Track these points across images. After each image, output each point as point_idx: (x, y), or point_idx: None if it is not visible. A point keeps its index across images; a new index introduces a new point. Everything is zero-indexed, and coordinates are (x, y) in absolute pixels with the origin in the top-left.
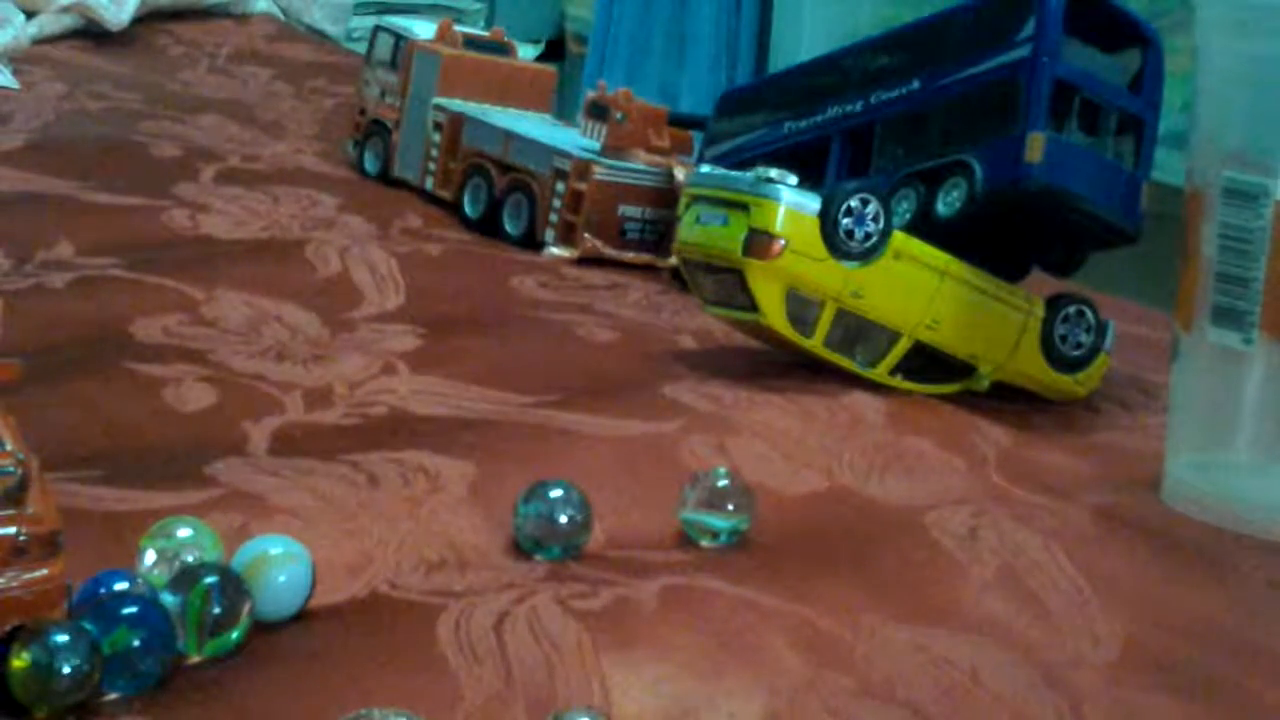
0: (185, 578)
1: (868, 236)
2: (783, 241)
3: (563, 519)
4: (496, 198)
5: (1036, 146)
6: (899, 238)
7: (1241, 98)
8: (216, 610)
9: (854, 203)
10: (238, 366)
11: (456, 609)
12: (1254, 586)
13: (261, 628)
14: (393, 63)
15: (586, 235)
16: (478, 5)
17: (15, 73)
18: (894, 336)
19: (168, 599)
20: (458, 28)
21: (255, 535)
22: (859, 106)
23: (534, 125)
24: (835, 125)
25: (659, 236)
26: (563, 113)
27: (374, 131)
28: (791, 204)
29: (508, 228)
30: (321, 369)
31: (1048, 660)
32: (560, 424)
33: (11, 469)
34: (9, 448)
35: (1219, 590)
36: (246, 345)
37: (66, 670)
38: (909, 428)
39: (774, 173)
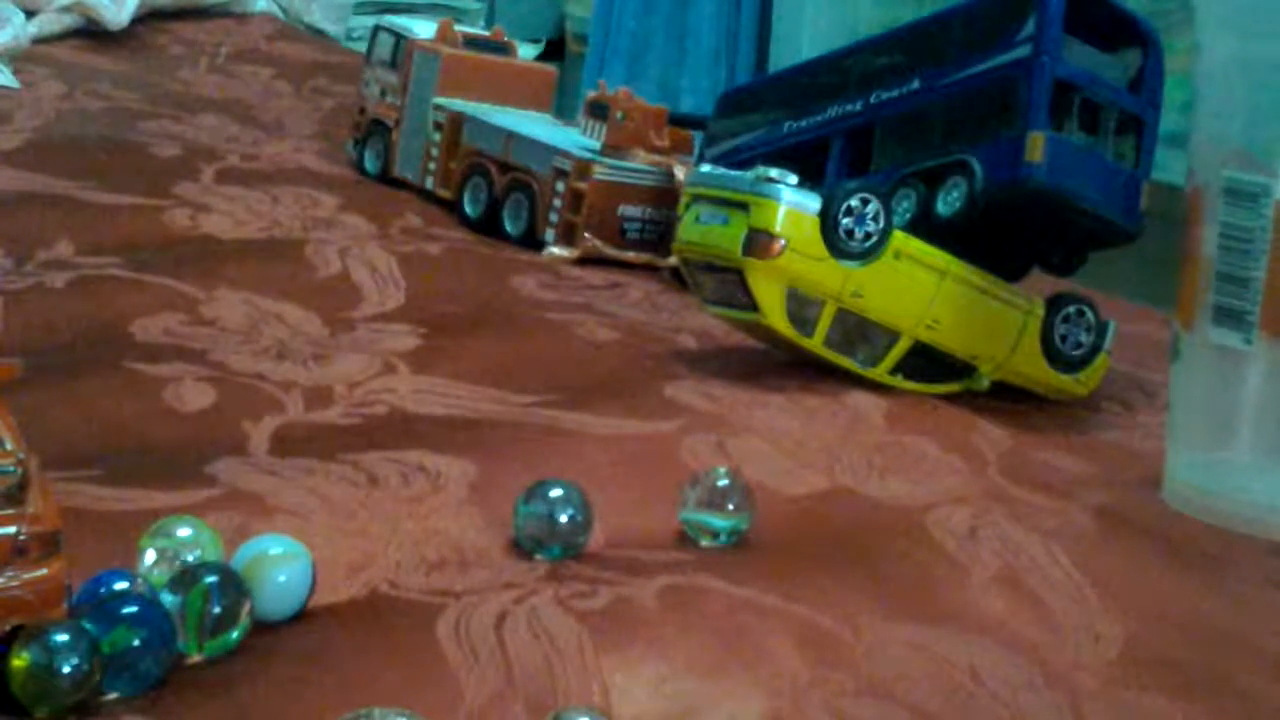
0: (185, 577)
1: (868, 236)
2: (783, 241)
3: (563, 519)
4: (496, 197)
5: (1036, 146)
6: (899, 237)
7: (1242, 97)
8: (216, 610)
9: (854, 202)
10: (237, 366)
11: (456, 609)
12: (1254, 586)
13: (261, 628)
14: (393, 62)
15: (586, 235)
16: (478, 5)
17: (15, 73)
18: (894, 336)
19: (168, 599)
20: (458, 27)
21: (255, 535)
22: (859, 106)
23: (534, 125)
24: (835, 125)
25: (659, 236)
26: (563, 113)
27: (374, 131)
28: (791, 204)
29: (508, 227)
30: (321, 369)
31: (1048, 660)
32: (560, 424)
33: (11, 469)
34: (9, 448)
35: (1219, 590)
36: (246, 345)
37: (66, 670)
38: (909, 428)
39: (774, 172)
